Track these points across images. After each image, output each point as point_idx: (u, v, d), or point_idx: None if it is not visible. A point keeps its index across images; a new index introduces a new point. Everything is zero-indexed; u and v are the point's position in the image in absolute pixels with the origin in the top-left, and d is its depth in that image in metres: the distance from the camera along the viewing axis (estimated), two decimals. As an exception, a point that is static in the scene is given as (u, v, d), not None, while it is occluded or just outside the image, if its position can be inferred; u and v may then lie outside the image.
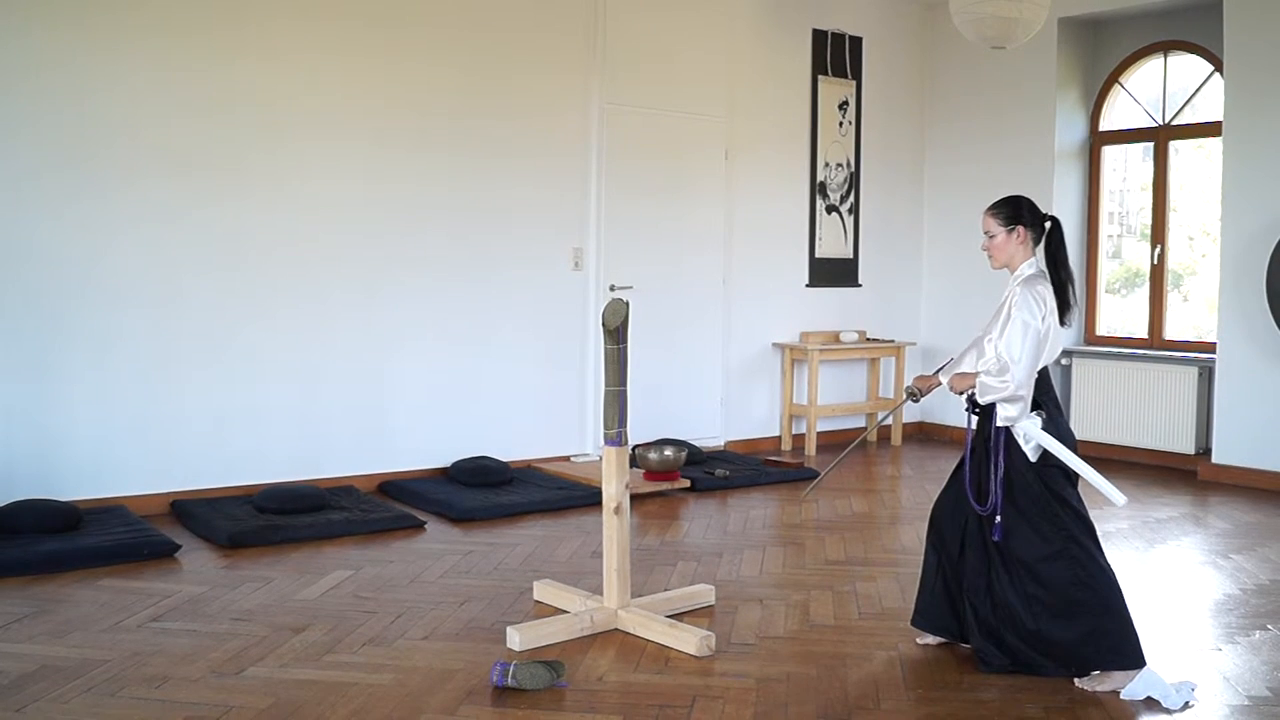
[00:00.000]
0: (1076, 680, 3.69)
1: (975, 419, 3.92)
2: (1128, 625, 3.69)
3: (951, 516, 3.98)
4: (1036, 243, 3.93)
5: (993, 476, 3.79)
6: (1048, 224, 3.93)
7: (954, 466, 4.09)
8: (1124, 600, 3.73)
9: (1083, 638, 3.67)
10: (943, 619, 3.99)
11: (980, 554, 3.86)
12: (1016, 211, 3.90)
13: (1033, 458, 3.77)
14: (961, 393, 3.93)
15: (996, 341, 3.78)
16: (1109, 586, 3.72)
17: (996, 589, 3.80)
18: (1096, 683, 3.65)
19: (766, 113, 8.26)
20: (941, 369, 4.13)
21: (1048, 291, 3.81)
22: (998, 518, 3.77)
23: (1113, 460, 7.88)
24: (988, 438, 3.84)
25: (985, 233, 3.95)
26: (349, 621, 4.24)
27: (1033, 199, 4.00)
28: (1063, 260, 3.88)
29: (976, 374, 3.84)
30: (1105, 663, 3.66)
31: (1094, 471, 3.79)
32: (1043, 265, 3.92)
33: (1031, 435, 3.76)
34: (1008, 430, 3.77)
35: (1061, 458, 3.75)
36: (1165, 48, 8.02)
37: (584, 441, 7.48)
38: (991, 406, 3.79)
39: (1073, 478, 3.81)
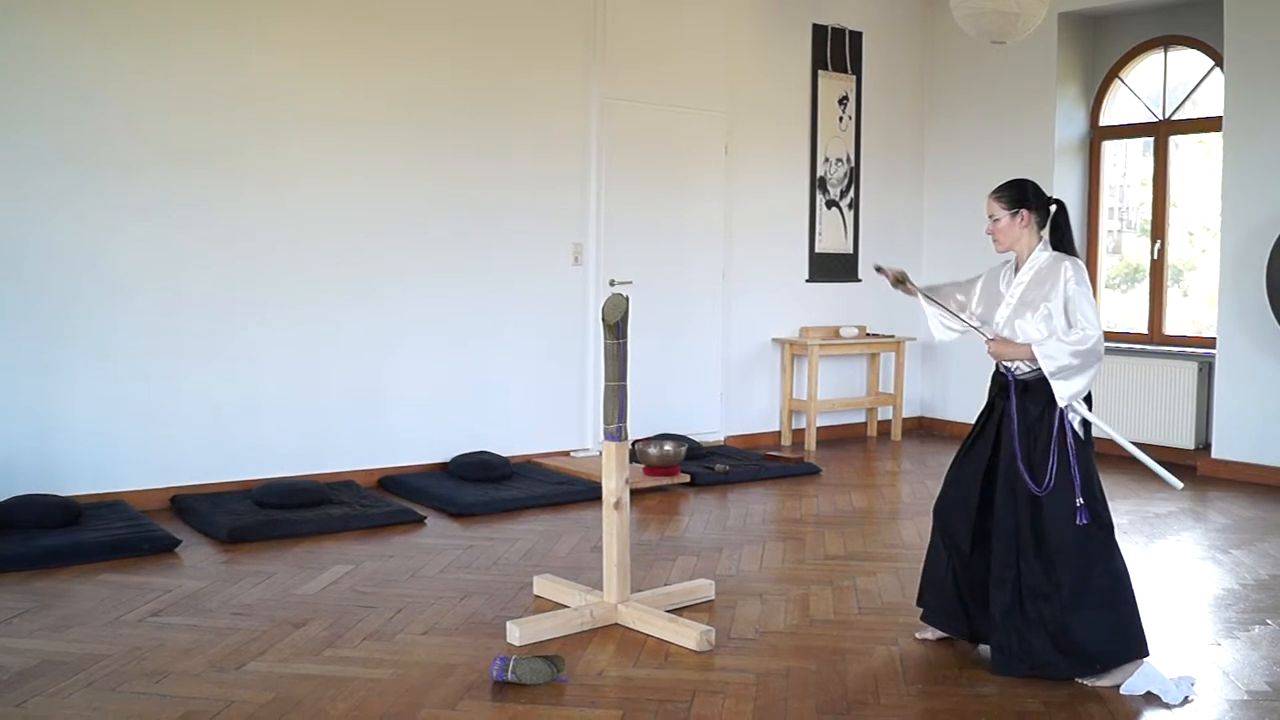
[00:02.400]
0: (1078, 675, 3.69)
1: (1016, 397, 3.82)
2: (1139, 615, 3.72)
3: (960, 512, 3.93)
4: (1042, 225, 3.92)
5: (1055, 456, 3.70)
6: (1052, 206, 3.93)
7: (954, 460, 4.07)
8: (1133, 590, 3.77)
9: (1112, 630, 3.65)
10: (955, 618, 3.96)
11: (1008, 544, 3.77)
12: (1021, 194, 3.89)
13: (1081, 434, 3.77)
14: (1009, 360, 3.83)
15: (1057, 320, 3.71)
16: (1129, 577, 3.75)
17: (1027, 579, 3.72)
18: (1098, 678, 3.65)
19: (766, 108, 8.26)
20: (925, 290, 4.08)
21: None
22: (1079, 500, 3.67)
23: (1112, 455, 7.87)
24: (1035, 418, 3.77)
25: (990, 216, 3.94)
26: (349, 616, 4.25)
27: (1037, 183, 4.00)
28: (1068, 242, 3.89)
29: (1028, 346, 3.74)
30: (1127, 655, 3.65)
31: (1149, 458, 3.84)
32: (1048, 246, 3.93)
33: (1090, 417, 3.77)
34: (1065, 409, 3.73)
35: (1119, 441, 3.82)
36: (1165, 43, 8.01)
37: (584, 436, 7.48)
38: (1038, 386, 3.74)
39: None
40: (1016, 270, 3.93)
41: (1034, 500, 3.73)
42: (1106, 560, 3.71)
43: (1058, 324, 3.74)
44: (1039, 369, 3.73)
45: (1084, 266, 3.82)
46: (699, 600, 4.45)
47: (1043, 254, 3.87)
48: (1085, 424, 3.79)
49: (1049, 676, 3.69)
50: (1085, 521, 3.67)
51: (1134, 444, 3.93)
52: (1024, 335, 3.80)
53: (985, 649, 3.89)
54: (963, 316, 4.03)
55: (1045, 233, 3.93)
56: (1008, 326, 3.86)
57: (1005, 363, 3.88)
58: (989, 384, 4.00)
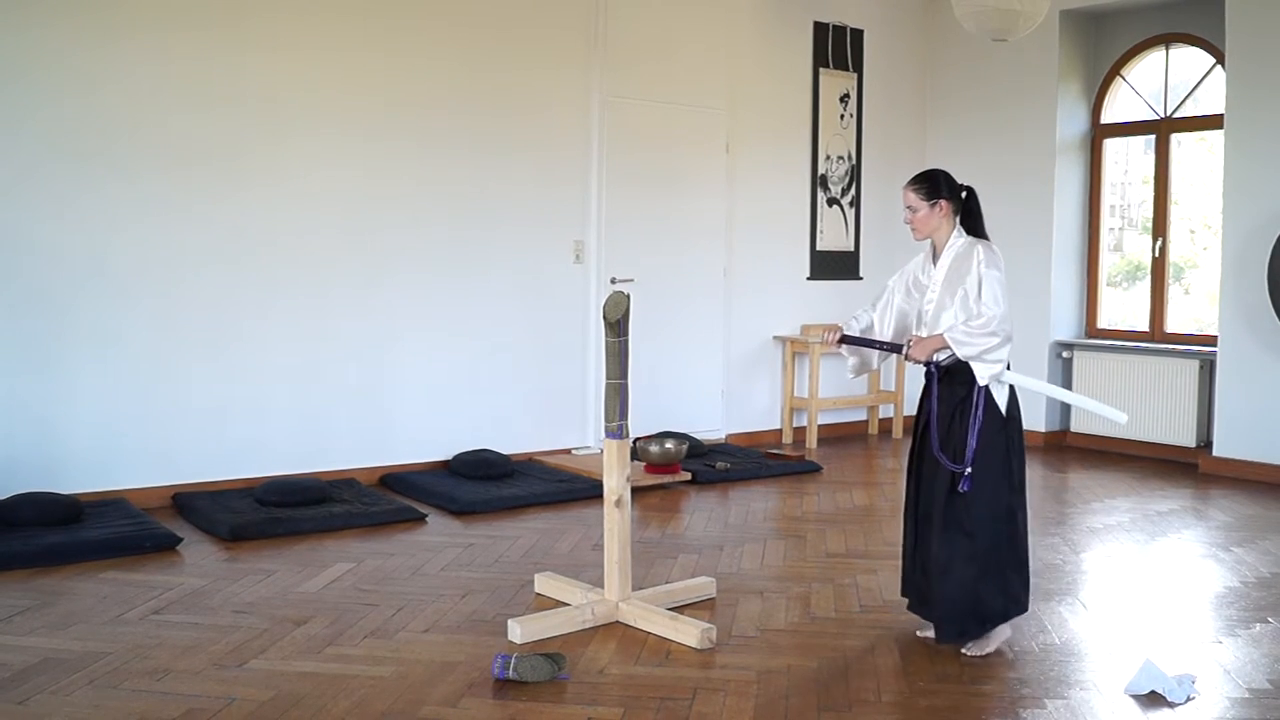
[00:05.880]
0: (964, 650, 3.87)
1: (937, 383, 3.98)
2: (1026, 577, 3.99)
3: (910, 498, 4.11)
4: (956, 213, 4.04)
5: (971, 433, 3.87)
6: (963, 194, 4.05)
7: (914, 447, 4.13)
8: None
9: (995, 589, 3.87)
10: (927, 604, 4.08)
11: (926, 522, 3.99)
12: (936, 186, 4.03)
13: (1004, 411, 3.92)
14: (928, 360, 3.97)
15: (972, 303, 3.88)
16: (1026, 540, 4.00)
17: (934, 550, 3.91)
18: (980, 647, 3.87)
19: (767, 105, 8.25)
20: (860, 334, 4.20)
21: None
22: (968, 470, 3.85)
23: (1113, 453, 7.88)
24: (961, 399, 3.92)
25: (908, 207, 4.06)
26: (350, 614, 4.25)
27: (950, 172, 4.10)
28: (980, 227, 4.04)
29: (941, 335, 3.92)
30: (1004, 613, 3.88)
31: (1087, 398, 4.04)
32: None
33: (1018, 382, 3.95)
34: (985, 389, 3.88)
35: (1049, 392, 4.06)
36: (1167, 40, 8.00)
37: (585, 434, 7.48)
38: (959, 369, 3.89)
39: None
40: (935, 259, 4.06)
41: (952, 477, 3.89)
42: (1015, 530, 3.94)
43: (972, 306, 3.89)
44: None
45: (996, 250, 3.96)
46: (700, 598, 4.45)
47: (959, 239, 4.01)
48: (1011, 402, 3.95)
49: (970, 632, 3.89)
50: (967, 489, 3.86)
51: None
52: (945, 320, 3.95)
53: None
54: (880, 342, 4.19)
55: (958, 219, 4.05)
56: (934, 316, 4.00)
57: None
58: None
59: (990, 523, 3.88)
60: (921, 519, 4.04)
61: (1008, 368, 3.94)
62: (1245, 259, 7.12)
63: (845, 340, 4.18)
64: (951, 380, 3.95)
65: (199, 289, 6.07)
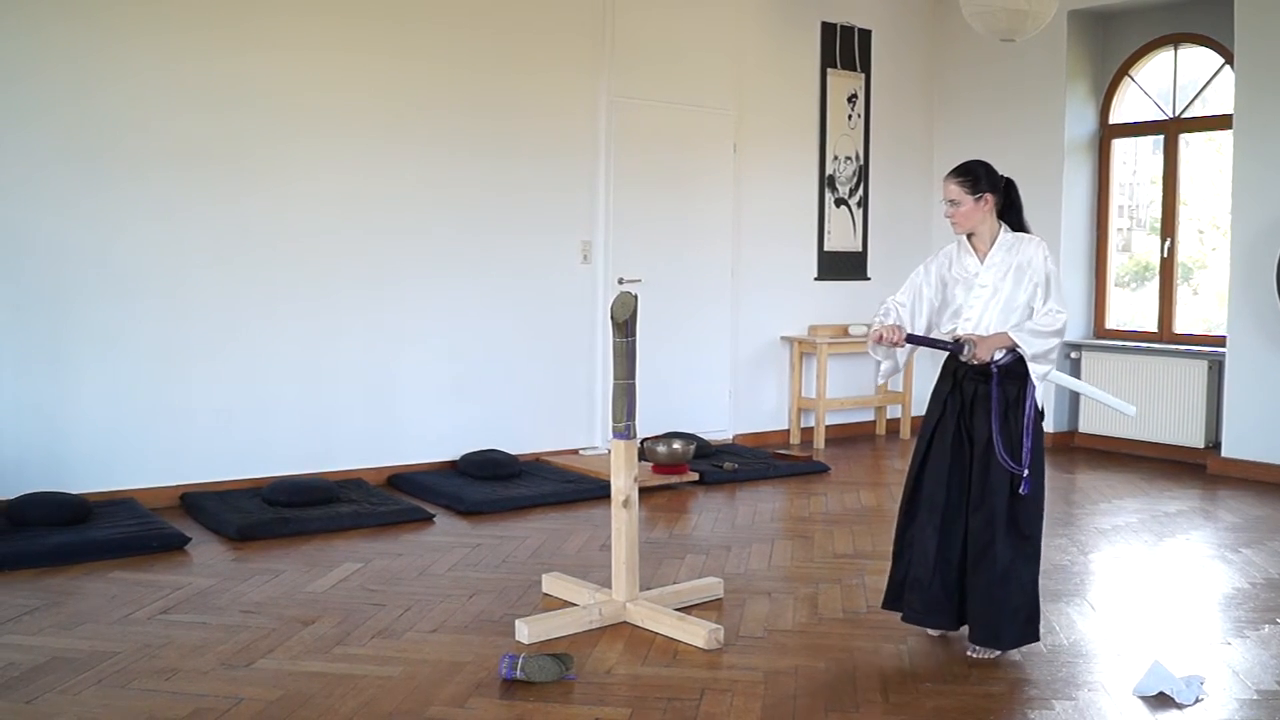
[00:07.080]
0: (971, 651, 3.85)
1: (996, 384, 3.87)
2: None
3: (958, 492, 3.95)
4: (999, 206, 3.96)
5: (1026, 433, 3.82)
6: (1002, 184, 3.98)
7: (925, 448, 4.02)
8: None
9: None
10: (943, 612, 3.95)
11: (986, 520, 3.85)
12: (979, 179, 3.92)
13: (1040, 407, 3.91)
14: (990, 358, 3.86)
15: (1037, 302, 3.84)
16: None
17: (997, 555, 3.81)
18: (989, 650, 3.84)
19: (775, 106, 8.25)
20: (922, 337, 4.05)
21: None
22: (1025, 471, 3.80)
23: (1121, 454, 7.87)
24: (1013, 399, 3.86)
25: (950, 200, 3.93)
26: (358, 614, 4.25)
27: (991, 163, 3.99)
28: (1021, 222, 3.99)
29: (1006, 333, 3.83)
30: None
31: (1101, 391, 4.18)
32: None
33: (1062, 382, 4.04)
34: (1031, 386, 3.86)
35: (1075, 387, 4.22)
36: (1175, 40, 7.98)
37: (592, 435, 7.48)
38: (1014, 367, 3.84)
39: None
40: (976, 253, 3.96)
41: (1011, 479, 3.83)
42: (1043, 523, 3.98)
43: (1037, 303, 3.86)
44: (1014, 353, 3.84)
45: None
46: (707, 598, 4.45)
47: (1007, 235, 3.94)
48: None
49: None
50: (1027, 491, 3.81)
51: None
52: (1001, 318, 3.86)
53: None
54: (941, 342, 4.03)
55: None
56: (983, 313, 3.90)
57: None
58: (943, 372, 4.05)
59: (1036, 519, 3.88)
60: (949, 521, 3.91)
61: None
62: (1254, 259, 7.11)
63: (912, 340, 4.00)
64: (1004, 379, 3.87)
65: (205, 289, 6.08)
